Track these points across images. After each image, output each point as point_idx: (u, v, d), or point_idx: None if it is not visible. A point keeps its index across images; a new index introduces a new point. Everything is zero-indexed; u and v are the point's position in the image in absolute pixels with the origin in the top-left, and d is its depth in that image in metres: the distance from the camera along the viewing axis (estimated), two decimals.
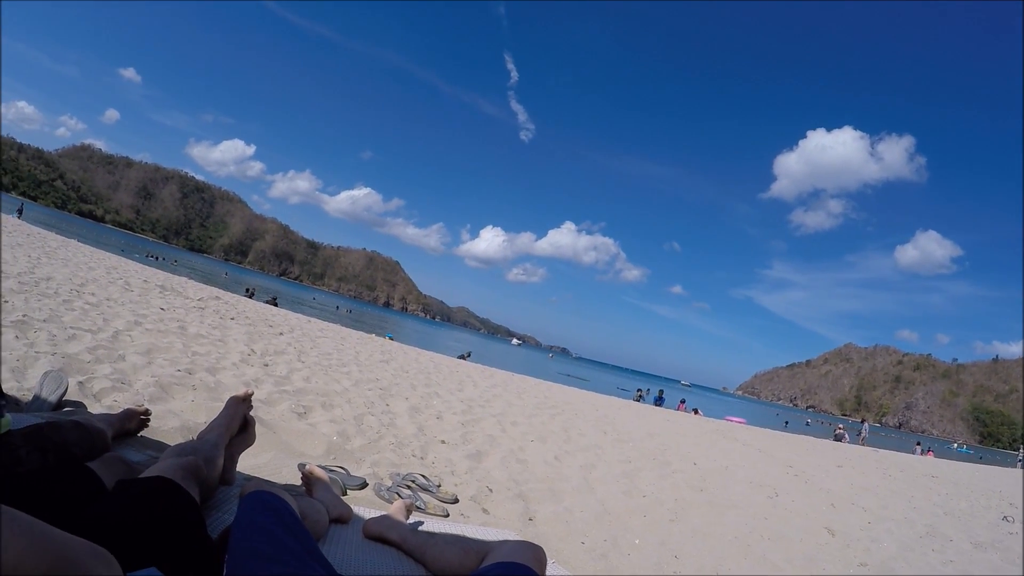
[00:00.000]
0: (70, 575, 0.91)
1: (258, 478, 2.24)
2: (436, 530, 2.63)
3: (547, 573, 1.96)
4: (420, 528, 2.58)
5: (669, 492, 5.41)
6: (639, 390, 31.24)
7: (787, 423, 53.85)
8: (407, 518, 2.54)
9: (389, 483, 3.65)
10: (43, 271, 8.34)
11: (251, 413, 4.24)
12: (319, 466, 3.44)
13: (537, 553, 1.66)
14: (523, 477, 4.77)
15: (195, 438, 2.35)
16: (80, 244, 18.51)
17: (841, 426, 35.86)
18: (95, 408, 3.50)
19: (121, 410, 2.95)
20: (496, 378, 14.13)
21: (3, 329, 4.53)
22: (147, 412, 3.10)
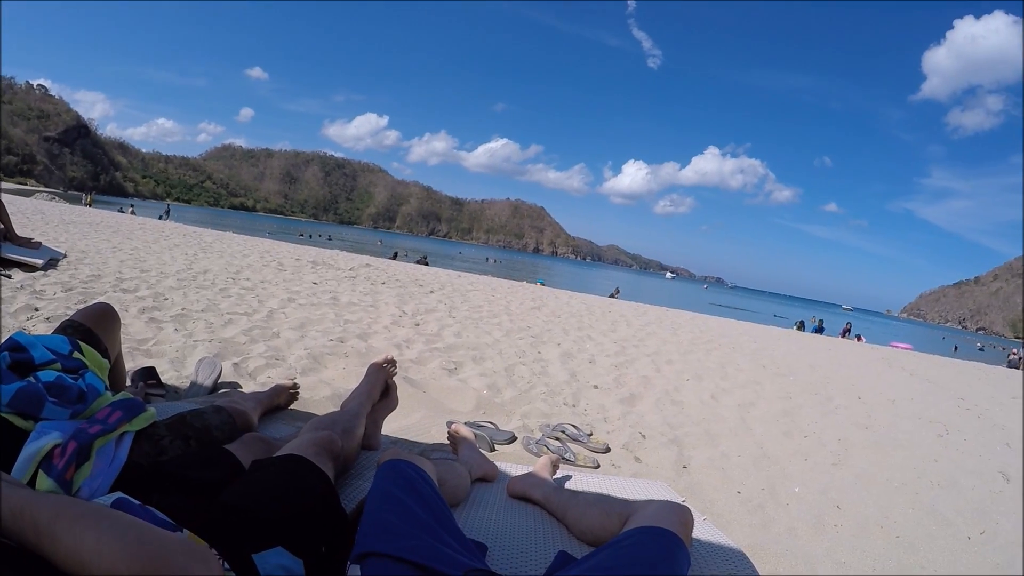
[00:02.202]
0: (165, 575, 0.91)
1: (395, 447, 2.24)
2: (585, 483, 2.57)
3: (697, 534, 1.87)
4: (567, 483, 2.53)
5: (832, 431, 5.06)
6: (799, 322, 29.99)
7: (956, 348, 49.56)
8: (553, 474, 2.49)
9: (538, 435, 3.62)
10: (200, 265, 8.80)
11: (402, 374, 4.38)
12: (467, 423, 3.47)
13: (682, 515, 1.55)
14: (677, 420, 4.61)
15: (340, 407, 2.39)
16: (235, 235, 19.46)
17: (1016, 351, 33.17)
18: (250, 386, 3.65)
19: (271, 386, 3.05)
20: (650, 315, 13.90)
21: (163, 323, 4.81)
22: (295, 386, 3.20)
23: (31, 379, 1.68)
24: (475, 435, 3.20)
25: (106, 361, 2.06)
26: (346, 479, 2.03)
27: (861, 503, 3.49)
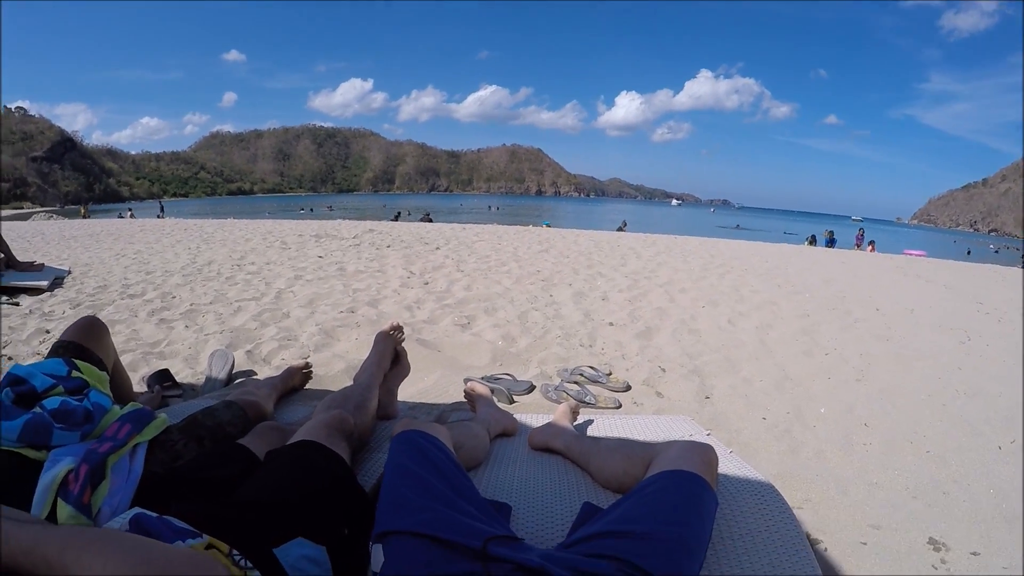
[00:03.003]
0: None
1: (407, 418, 2.21)
2: (607, 426, 2.54)
3: (723, 468, 1.83)
4: (589, 428, 2.50)
5: (853, 346, 5.01)
6: (810, 236, 29.55)
7: (969, 252, 48.76)
8: (574, 420, 2.46)
9: (556, 381, 3.59)
10: (204, 257, 8.75)
11: (415, 335, 4.37)
12: (483, 377, 3.44)
13: (705, 455, 1.52)
14: (696, 350, 4.57)
15: (352, 381, 2.37)
16: (236, 221, 19.37)
17: None
18: (265, 371, 3.64)
19: (283, 370, 3.03)
20: (659, 244, 13.81)
21: (172, 322, 4.78)
22: (308, 365, 3.18)
23: (36, 409, 1.68)
24: (492, 389, 3.18)
25: (104, 373, 2.06)
26: (365, 454, 2.01)
27: (888, 419, 3.45)
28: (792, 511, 1.62)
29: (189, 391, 3.27)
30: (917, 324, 6.21)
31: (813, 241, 27.65)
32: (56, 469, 1.47)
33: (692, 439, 2.11)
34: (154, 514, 1.14)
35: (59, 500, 1.41)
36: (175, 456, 1.75)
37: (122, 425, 1.71)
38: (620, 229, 28.34)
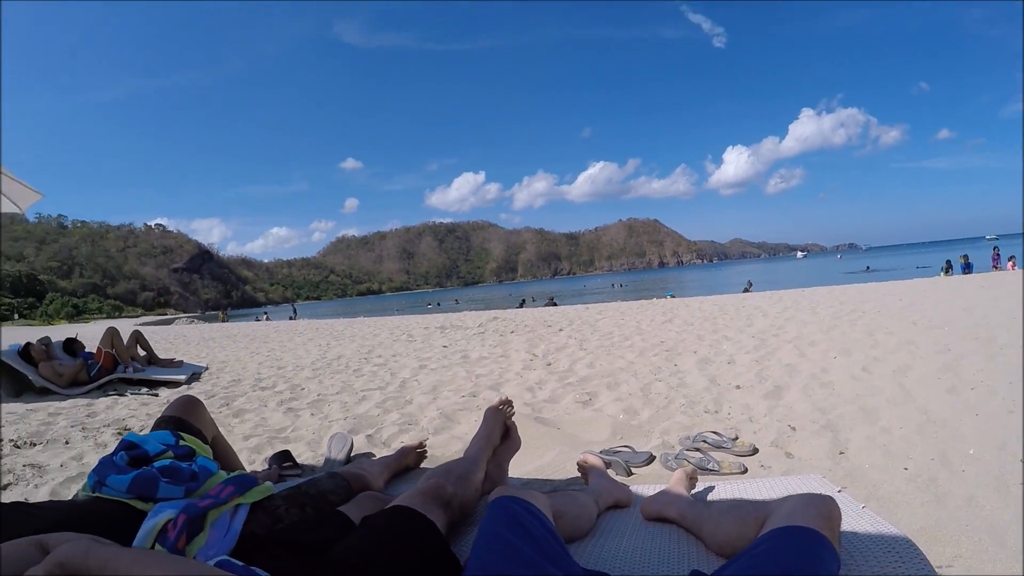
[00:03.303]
0: None
1: (504, 486, 2.17)
2: (728, 492, 2.41)
3: (854, 526, 1.69)
4: (709, 495, 2.39)
5: (1002, 376, 4.61)
6: (945, 265, 27.88)
7: None
8: (691, 487, 2.35)
9: (677, 449, 3.45)
10: (333, 352, 9.19)
11: (534, 415, 4.35)
12: (601, 451, 3.35)
13: (824, 507, 1.40)
14: (828, 403, 4.32)
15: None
16: (365, 319, 20.10)
17: None
18: (383, 454, 3.69)
19: (397, 450, 3.07)
20: (785, 300, 13.42)
21: (299, 411, 5.07)
22: (422, 444, 3.22)
23: (145, 467, 1.87)
24: (609, 462, 3.09)
25: (206, 445, 2.28)
26: (465, 527, 2.00)
27: None
28: (936, 571, 1.46)
29: (308, 471, 3.39)
30: None
31: (949, 268, 26.08)
32: (157, 518, 1.60)
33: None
34: (240, 563, 1.25)
35: (157, 545, 1.54)
36: (276, 520, 1.84)
37: (225, 487, 1.81)
38: (746, 290, 27.67)
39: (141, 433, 2.20)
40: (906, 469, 3.00)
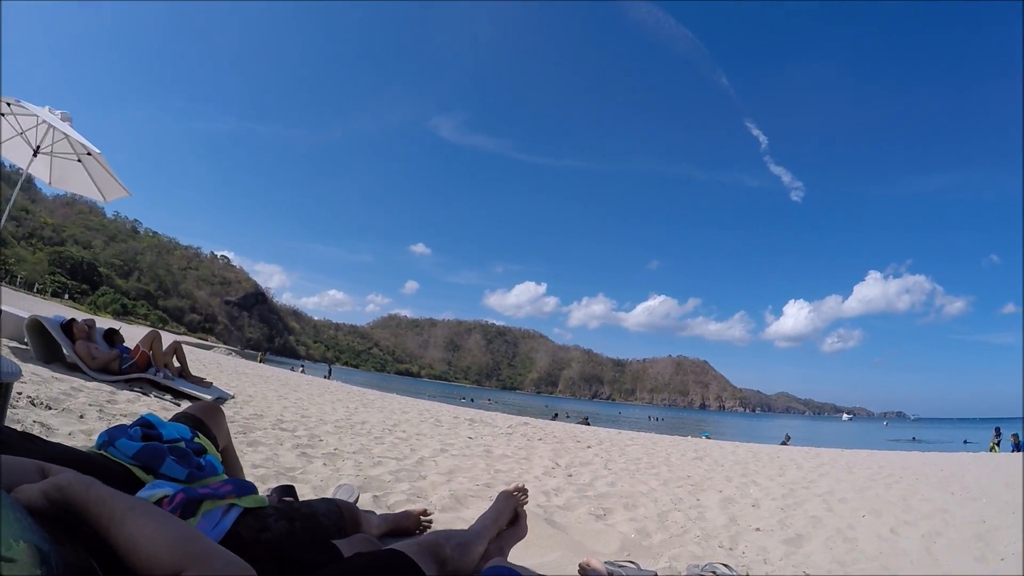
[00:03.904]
0: (200, 569, 1.04)
1: (500, 556, 2.15)
2: None
3: None
4: None
5: None
6: (995, 439, 26.74)
7: None
8: None
9: (684, 574, 3.34)
10: (359, 417, 9.20)
11: (545, 516, 4.27)
12: (605, 562, 3.25)
13: None
14: (850, 558, 4.17)
15: None
16: (397, 396, 20.14)
17: None
18: None
19: (400, 511, 3.02)
20: (822, 456, 13.04)
21: (313, 458, 5.08)
22: (426, 512, 3.16)
23: (157, 442, 1.93)
24: (612, 573, 2.99)
25: (217, 452, 2.29)
26: None
27: None
28: None
29: None
30: None
31: (998, 436, 25.11)
32: (154, 491, 1.65)
33: None
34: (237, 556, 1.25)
35: None
36: (264, 527, 1.83)
37: (224, 484, 1.85)
38: (783, 443, 27.04)
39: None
40: None
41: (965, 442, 42.73)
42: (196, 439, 2.17)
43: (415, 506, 3.60)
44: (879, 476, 9.21)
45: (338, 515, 2.16)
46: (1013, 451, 22.63)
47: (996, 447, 24.74)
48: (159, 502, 1.63)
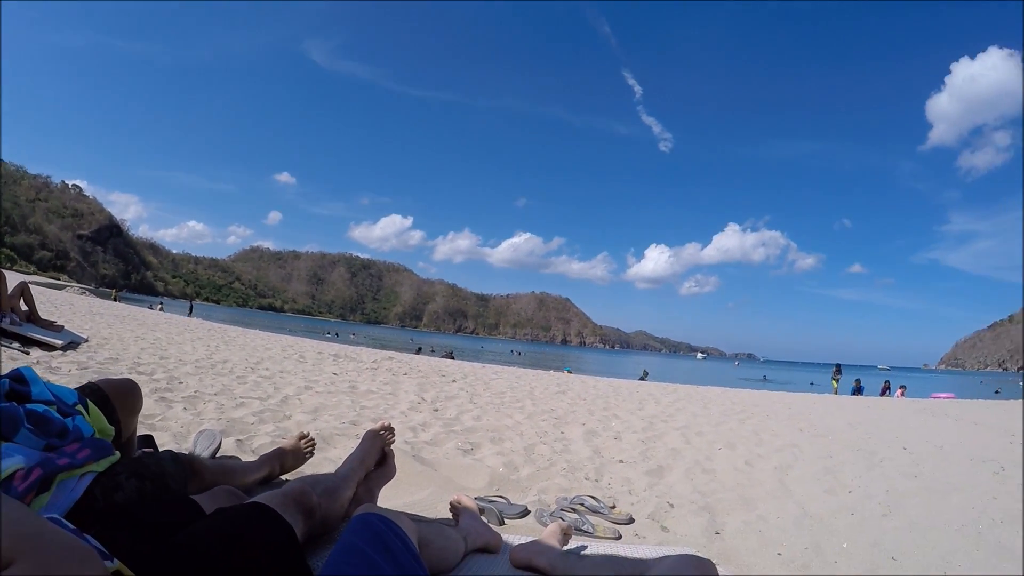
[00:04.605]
0: (37, 564, 0.88)
1: (369, 503, 2.07)
2: (604, 551, 2.33)
3: None
4: (583, 551, 2.29)
5: (878, 483, 4.78)
6: (835, 368, 28.76)
7: (998, 391, 48.46)
8: (563, 543, 2.25)
9: (553, 508, 3.35)
10: (220, 356, 8.85)
11: (413, 452, 4.20)
12: (476, 498, 3.22)
13: (703, 568, 1.33)
14: (709, 488, 4.32)
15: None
16: (260, 332, 19.64)
17: None
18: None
19: (272, 450, 2.84)
20: (679, 392, 13.62)
21: (173, 403, 4.80)
22: (304, 436, 2.96)
23: (14, 403, 1.70)
24: (483, 508, 2.97)
25: (111, 429, 2.05)
26: (325, 541, 1.89)
27: (918, 551, 3.20)
28: None
29: None
30: (947, 459, 6.06)
31: (838, 373, 27.15)
32: (7, 462, 1.48)
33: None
34: (72, 526, 1.12)
35: None
36: (115, 487, 1.71)
37: (82, 448, 1.71)
38: (641, 378, 28.04)
39: (43, 378, 1.95)
40: (779, 555, 3.02)
41: (811, 384, 45.76)
42: (78, 407, 1.92)
43: (286, 440, 3.36)
44: (732, 412, 9.69)
45: (183, 477, 2.00)
46: (853, 393, 24.44)
47: (836, 380, 26.59)
48: (11, 476, 1.46)
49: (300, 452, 2.89)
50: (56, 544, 0.91)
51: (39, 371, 4.70)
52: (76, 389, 2.05)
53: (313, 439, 2.98)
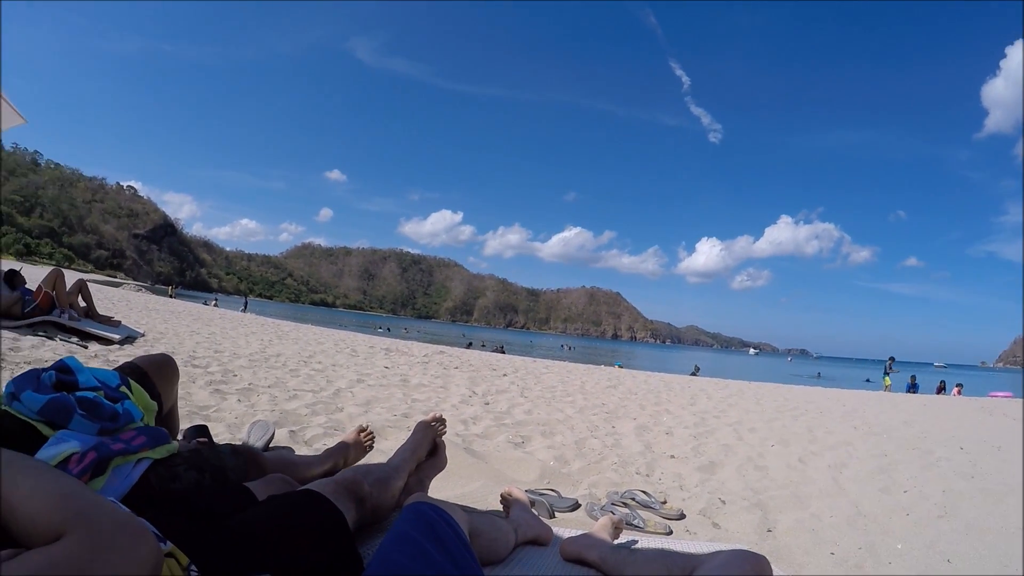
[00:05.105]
0: (88, 537, 0.90)
1: (422, 492, 2.10)
2: (655, 546, 2.33)
3: None
4: (634, 546, 2.29)
5: (934, 483, 4.67)
6: (889, 362, 27.99)
7: None
8: (615, 536, 2.26)
9: (604, 502, 3.35)
10: (273, 349, 9.02)
11: (464, 445, 4.24)
12: (527, 490, 3.24)
13: (757, 564, 1.33)
14: (761, 485, 4.27)
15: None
16: (312, 327, 19.92)
17: None
18: (302, 452, 3.59)
19: (335, 444, 2.87)
20: (731, 388, 13.46)
21: (227, 395, 4.92)
22: (363, 428, 2.93)
23: (64, 393, 1.75)
24: (533, 501, 2.99)
25: (155, 404, 2.13)
26: (376, 531, 1.92)
27: (975, 554, 3.13)
28: None
29: None
30: (1005, 461, 5.90)
31: (891, 366, 26.53)
32: (61, 447, 1.53)
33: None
34: (126, 509, 1.13)
35: None
36: (173, 477, 1.76)
37: (138, 435, 1.75)
38: (693, 374, 27.77)
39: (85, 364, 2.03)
40: (832, 554, 2.98)
41: (867, 381, 44.82)
42: (122, 388, 1.98)
43: (346, 434, 3.32)
44: (785, 408, 9.54)
45: (243, 471, 2.03)
46: (908, 391, 23.88)
47: (888, 376, 25.95)
48: (67, 460, 1.51)
49: (361, 445, 2.87)
50: (109, 519, 0.94)
51: (97, 364, 4.84)
52: (115, 370, 2.12)
53: (372, 432, 2.96)
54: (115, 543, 0.91)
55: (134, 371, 2.18)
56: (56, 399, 1.68)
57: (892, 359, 27.82)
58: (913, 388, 24.98)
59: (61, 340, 6.11)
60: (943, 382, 28.13)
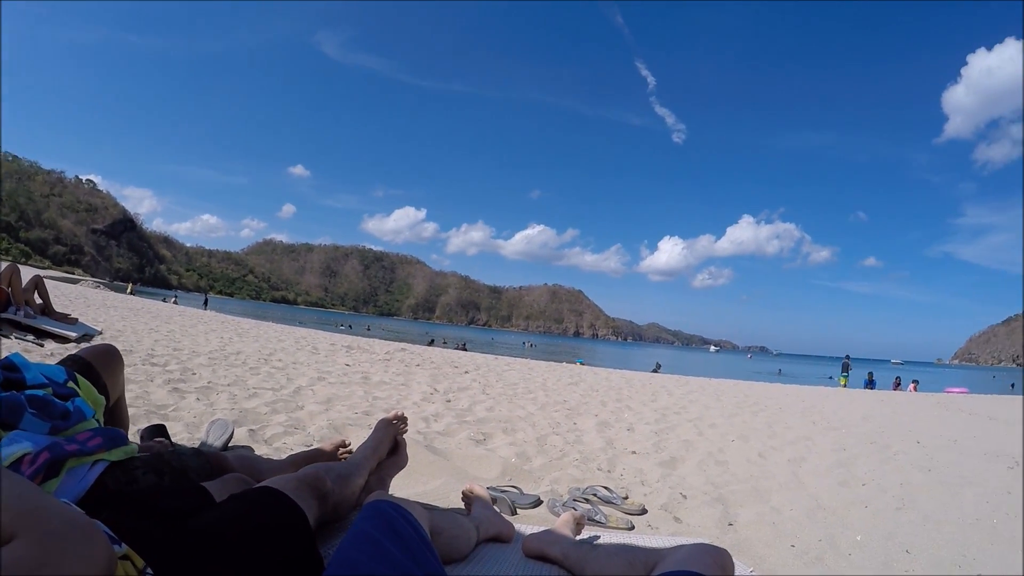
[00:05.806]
0: (39, 539, 0.87)
1: (382, 490, 2.08)
2: (617, 540, 2.32)
3: None
4: (596, 541, 2.29)
5: (892, 476, 4.76)
6: (845, 358, 28.73)
7: (1013, 385, 48.70)
8: (576, 532, 2.25)
9: (566, 498, 3.35)
10: (233, 347, 8.94)
11: (426, 443, 4.22)
12: (488, 487, 3.22)
13: (719, 557, 1.32)
14: (722, 480, 4.31)
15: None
16: (273, 324, 19.77)
17: None
18: (263, 451, 3.55)
19: (310, 448, 2.81)
20: (691, 385, 13.61)
21: (186, 393, 4.85)
22: (343, 444, 2.79)
23: (14, 392, 1.70)
24: (495, 498, 2.97)
25: (102, 398, 2.09)
26: (337, 527, 1.88)
27: (933, 545, 3.19)
28: None
29: None
30: (961, 453, 6.05)
31: (847, 362, 27.13)
32: (13, 448, 1.48)
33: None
34: (80, 511, 1.08)
35: None
36: (131, 481, 1.70)
37: (94, 436, 1.69)
38: (654, 371, 27.99)
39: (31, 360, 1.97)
40: (793, 547, 3.01)
41: (830, 378, 45.68)
42: (69, 383, 1.94)
43: (328, 441, 3.20)
44: (745, 405, 9.66)
45: (208, 472, 1.99)
46: (866, 387, 24.37)
47: (845, 378, 26.47)
48: (19, 461, 1.45)
49: (336, 459, 2.82)
50: (60, 520, 0.90)
51: (52, 363, 4.76)
52: (59, 363, 2.08)
53: (351, 448, 2.79)
54: (66, 545, 0.88)
55: (77, 363, 2.14)
56: (7, 398, 1.63)
57: (848, 356, 28.41)
58: (870, 384, 25.48)
59: (16, 338, 5.97)
60: (899, 378, 28.72)
